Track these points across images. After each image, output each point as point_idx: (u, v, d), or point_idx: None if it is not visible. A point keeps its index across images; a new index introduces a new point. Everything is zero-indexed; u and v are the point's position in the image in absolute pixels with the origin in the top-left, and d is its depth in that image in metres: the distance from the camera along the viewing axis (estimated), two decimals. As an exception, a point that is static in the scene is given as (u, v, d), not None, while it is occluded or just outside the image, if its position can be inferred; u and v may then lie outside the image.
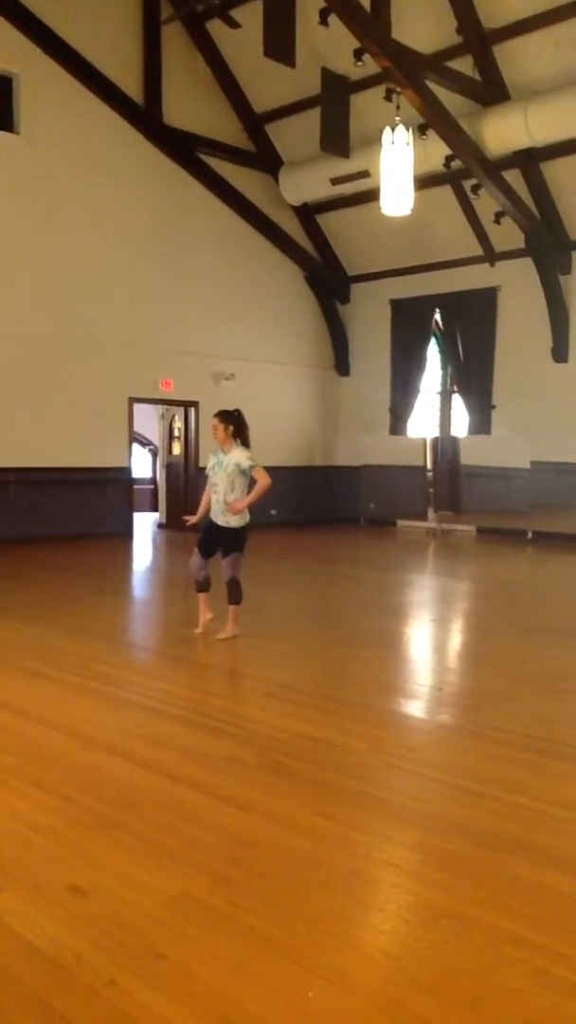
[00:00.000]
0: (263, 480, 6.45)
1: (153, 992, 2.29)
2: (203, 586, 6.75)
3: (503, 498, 15.18)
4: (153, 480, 18.18)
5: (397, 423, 16.28)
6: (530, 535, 14.20)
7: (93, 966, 2.41)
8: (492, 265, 14.61)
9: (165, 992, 2.29)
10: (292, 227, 15.91)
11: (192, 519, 6.82)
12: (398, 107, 11.54)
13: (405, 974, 2.40)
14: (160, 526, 15.69)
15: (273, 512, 14.48)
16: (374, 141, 12.01)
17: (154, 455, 18.59)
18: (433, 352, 16.04)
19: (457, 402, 15.86)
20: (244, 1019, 2.20)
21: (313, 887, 2.87)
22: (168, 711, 4.83)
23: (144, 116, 13.70)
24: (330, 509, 16.79)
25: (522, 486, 14.46)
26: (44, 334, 12.75)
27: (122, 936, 2.56)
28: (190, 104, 14.25)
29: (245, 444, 6.61)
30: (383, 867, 3.07)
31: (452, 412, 16.11)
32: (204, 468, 7.16)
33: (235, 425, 6.59)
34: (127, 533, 13.91)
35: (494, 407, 14.90)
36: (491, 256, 14.55)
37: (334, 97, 12.38)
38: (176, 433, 15.43)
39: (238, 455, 6.51)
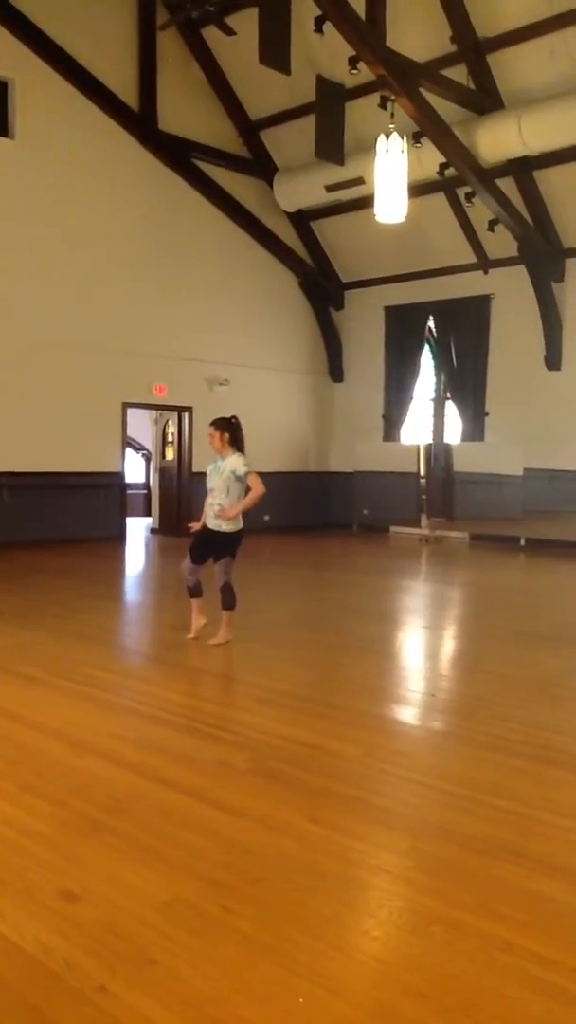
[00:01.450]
0: (256, 488, 6.45)
1: (144, 998, 2.28)
2: (195, 591, 6.74)
3: (496, 505, 15.20)
4: (146, 485, 18.15)
5: (391, 429, 16.32)
6: (523, 542, 14.22)
7: (84, 971, 2.40)
8: (486, 273, 14.66)
9: (156, 998, 2.28)
10: (287, 233, 15.95)
11: (196, 525, 6.81)
12: (392, 115, 11.58)
13: (397, 980, 2.39)
14: (153, 531, 15.67)
15: (266, 517, 14.48)
16: (368, 148, 12.04)
17: (147, 460, 18.57)
18: (427, 359, 16.09)
19: (450, 409, 15.90)
20: (235, 1025, 2.19)
21: (305, 893, 2.86)
22: (161, 716, 4.82)
23: (139, 122, 13.72)
24: (323, 515, 16.80)
25: (515, 493, 14.49)
26: (37, 338, 12.74)
27: (113, 941, 2.55)
28: (185, 110, 14.28)
29: (241, 451, 6.62)
30: (375, 873, 3.07)
31: (445, 419, 16.15)
32: (198, 473, 7.17)
33: (231, 432, 6.59)
34: (120, 538, 13.89)
35: (487, 414, 14.94)
36: (485, 264, 14.60)
37: (329, 104, 12.42)
38: (170, 438, 15.43)
39: (234, 461, 6.52)
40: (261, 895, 2.84)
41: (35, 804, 3.56)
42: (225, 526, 6.54)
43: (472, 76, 12.36)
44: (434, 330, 15.75)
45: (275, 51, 10.85)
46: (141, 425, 16.56)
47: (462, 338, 15.17)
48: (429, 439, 16.19)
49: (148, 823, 3.39)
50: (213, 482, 6.57)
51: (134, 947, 2.52)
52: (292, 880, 2.94)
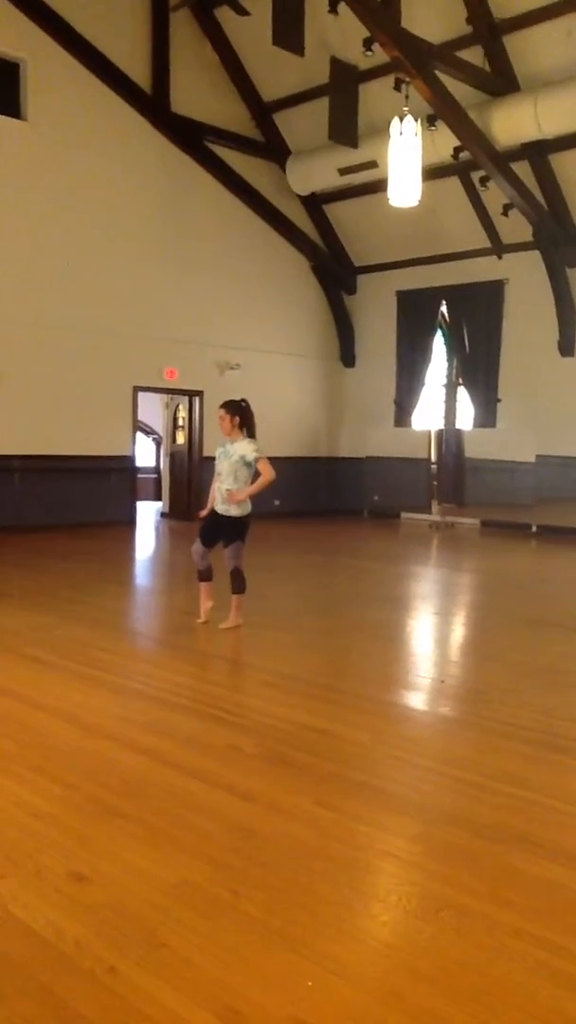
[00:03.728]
0: (267, 474, 6.42)
1: (154, 979, 2.30)
2: (205, 575, 6.75)
3: (507, 491, 15.16)
4: (157, 469, 18.16)
5: (402, 415, 16.25)
6: (534, 528, 14.19)
7: (94, 953, 2.41)
8: (499, 257, 14.56)
9: (166, 980, 2.30)
10: (299, 217, 15.86)
11: (205, 512, 6.81)
12: (407, 97, 11.46)
13: (405, 965, 2.40)
14: (163, 515, 15.69)
15: (276, 503, 14.49)
16: (382, 131, 11.93)
17: (158, 444, 18.58)
18: (439, 344, 16.01)
19: (462, 395, 15.83)
20: (243, 1007, 2.20)
21: (314, 877, 2.87)
22: (170, 700, 4.84)
23: (151, 104, 13.64)
24: (334, 500, 16.78)
25: (526, 480, 14.44)
26: (49, 322, 12.73)
27: (123, 923, 2.56)
28: (198, 92, 14.18)
29: (251, 435, 6.59)
30: (384, 858, 3.08)
31: (457, 405, 16.09)
32: (208, 457, 7.17)
33: (241, 416, 6.56)
34: (130, 522, 13.92)
35: (499, 400, 14.86)
36: (498, 248, 14.50)
37: (343, 86, 12.33)
38: (180, 422, 15.42)
39: (244, 447, 6.49)
40: (270, 879, 2.85)
41: (45, 786, 3.58)
42: (234, 510, 6.53)
43: (488, 58, 12.23)
44: (447, 315, 15.65)
45: (289, 32, 10.78)
46: (152, 409, 16.55)
47: (475, 323, 15.08)
48: (441, 425, 16.14)
49: (158, 806, 3.40)
50: (221, 466, 6.55)
51: (144, 929, 2.54)
52: (301, 864, 2.95)
